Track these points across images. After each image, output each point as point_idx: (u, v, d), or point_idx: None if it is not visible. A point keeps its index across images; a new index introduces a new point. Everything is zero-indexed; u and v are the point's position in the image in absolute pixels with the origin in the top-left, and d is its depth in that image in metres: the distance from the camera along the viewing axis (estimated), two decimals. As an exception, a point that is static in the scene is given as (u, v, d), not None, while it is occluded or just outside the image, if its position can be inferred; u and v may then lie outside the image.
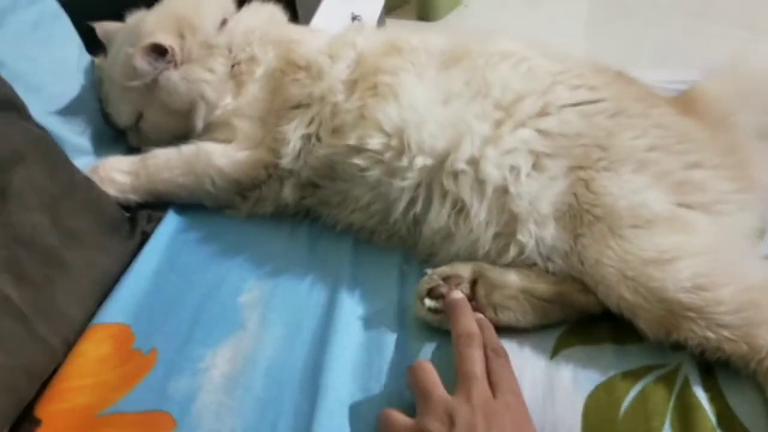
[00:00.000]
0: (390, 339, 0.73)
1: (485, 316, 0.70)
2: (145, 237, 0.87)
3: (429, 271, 0.74)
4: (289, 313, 0.77)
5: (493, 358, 0.63)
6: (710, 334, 0.63)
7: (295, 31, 1.00)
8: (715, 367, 0.65)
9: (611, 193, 0.70)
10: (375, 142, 0.80)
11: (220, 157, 0.88)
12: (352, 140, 0.81)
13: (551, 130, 0.76)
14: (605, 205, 0.70)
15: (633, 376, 0.66)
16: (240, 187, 0.89)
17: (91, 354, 0.72)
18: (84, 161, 0.93)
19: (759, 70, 0.86)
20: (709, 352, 0.64)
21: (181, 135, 0.95)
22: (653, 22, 2.45)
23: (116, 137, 1.01)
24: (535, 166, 0.74)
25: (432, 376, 0.62)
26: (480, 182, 0.75)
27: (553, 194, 0.72)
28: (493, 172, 0.75)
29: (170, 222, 0.89)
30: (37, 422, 0.66)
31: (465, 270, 0.73)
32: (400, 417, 0.61)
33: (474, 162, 0.76)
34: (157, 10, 0.97)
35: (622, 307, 0.66)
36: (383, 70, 0.84)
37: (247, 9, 1.00)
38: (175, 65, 0.92)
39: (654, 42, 2.30)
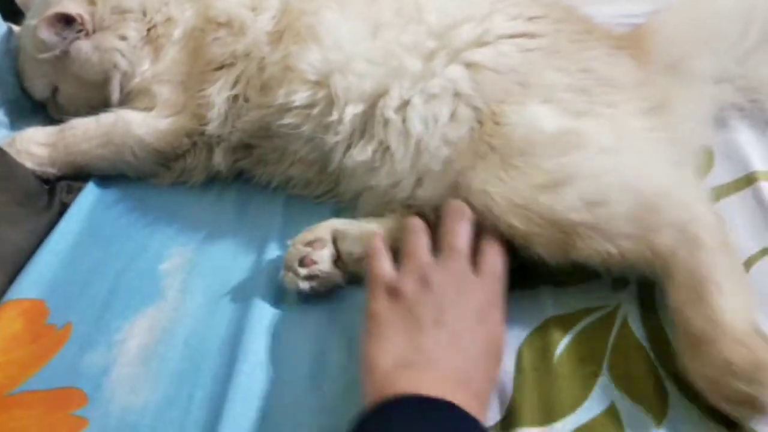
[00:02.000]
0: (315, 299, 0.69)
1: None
2: (64, 208, 0.82)
3: (290, 242, 0.70)
4: (213, 279, 0.72)
5: (486, 243, 0.62)
6: (610, 247, 0.58)
7: None
8: (658, 306, 0.61)
9: (510, 123, 0.65)
10: (302, 96, 0.75)
11: (140, 125, 0.83)
12: (280, 98, 0.76)
13: (486, 64, 0.70)
14: (502, 135, 0.65)
15: (569, 319, 0.62)
16: (162, 157, 0.83)
17: (2, 332, 0.68)
18: (1, 134, 0.88)
19: (719, 5, 0.80)
20: (614, 266, 0.59)
21: (101, 105, 0.89)
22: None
23: (35, 108, 0.95)
24: (453, 116, 0.69)
25: (421, 241, 0.63)
26: (406, 133, 0.70)
27: (457, 137, 0.68)
28: (417, 126, 0.70)
29: (91, 192, 0.84)
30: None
31: (324, 231, 0.70)
32: (386, 265, 0.62)
33: (402, 109, 0.71)
34: None
35: (515, 236, 0.61)
36: (305, 12, 0.79)
37: None
38: (86, 34, 0.86)
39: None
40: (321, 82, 0.74)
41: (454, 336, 0.55)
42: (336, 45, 0.75)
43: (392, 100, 0.71)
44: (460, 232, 0.62)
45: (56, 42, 0.85)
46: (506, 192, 0.62)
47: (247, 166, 0.83)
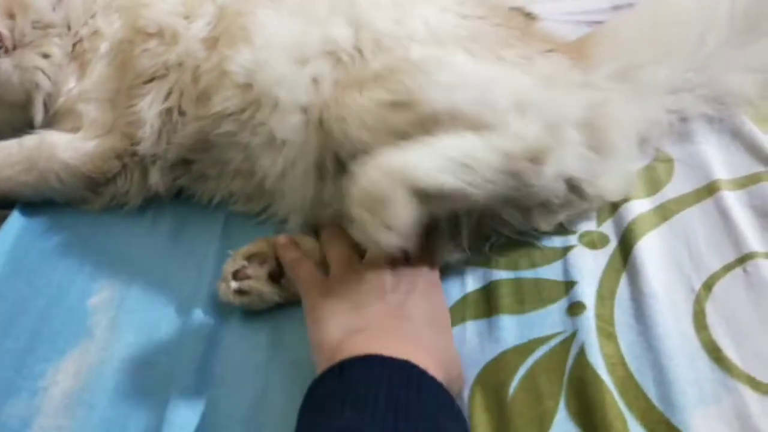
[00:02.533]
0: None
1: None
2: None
3: (231, 252, 0.67)
4: (145, 315, 0.67)
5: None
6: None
7: None
8: (617, 330, 0.58)
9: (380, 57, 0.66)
10: (234, 103, 0.70)
11: (65, 148, 0.77)
12: (216, 106, 0.71)
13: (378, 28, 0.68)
14: (367, 68, 0.65)
15: (523, 351, 0.58)
16: (91, 182, 0.77)
17: None
18: None
19: (676, 12, 0.76)
20: None
21: (25, 127, 0.83)
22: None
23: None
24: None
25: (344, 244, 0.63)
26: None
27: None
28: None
29: (16, 221, 0.78)
30: None
31: (267, 246, 0.67)
32: (311, 267, 0.63)
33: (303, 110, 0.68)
34: None
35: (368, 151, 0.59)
36: (241, 13, 0.74)
37: None
38: (6, 51, 0.80)
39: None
40: (248, 86, 0.70)
41: (398, 307, 0.55)
42: (265, 45, 0.70)
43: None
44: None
45: (-29, 58, 0.79)
46: (359, 110, 0.60)
47: (187, 183, 0.78)
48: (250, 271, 0.65)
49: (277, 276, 0.66)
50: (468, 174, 0.55)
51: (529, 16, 0.79)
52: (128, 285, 0.70)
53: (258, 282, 0.65)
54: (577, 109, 0.63)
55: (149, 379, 0.62)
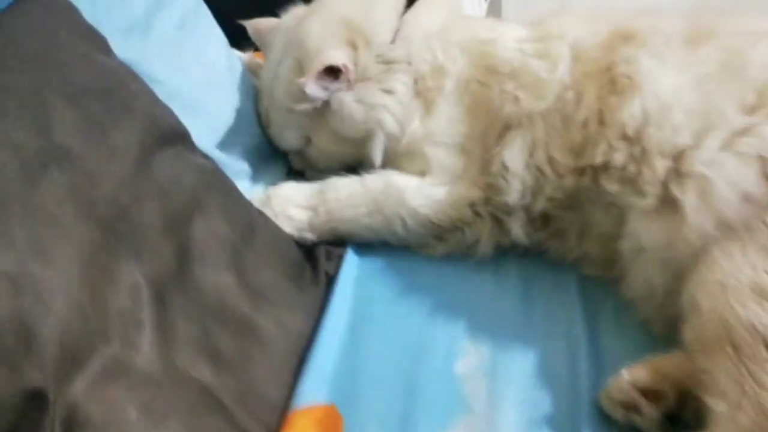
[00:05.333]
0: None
1: None
2: (328, 278, 0.74)
3: (625, 373, 0.59)
4: (522, 389, 0.63)
5: None
6: None
7: (483, 26, 0.82)
8: None
9: None
10: (620, 155, 0.65)
11: (415, 194, 0.74)
12: (597, 157, 0.66)
13: None
14: None
15: None
16: (438, 230, 0.74)
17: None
18: (243, 186, 0.80)
19: None
20: None
21: (356, 162, 0.81)
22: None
23: (275, 155, 0.87)
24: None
25: None
26: (708, 193, 0.61)
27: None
28: (723, 188, 0.60)
29: (351, 264, 0.76)
30: None
31: (665, 381, 0.58)
32: None
33: (713, 164, 0.61)
34: (320, 11, 0.81)
35: None
36: (618, 62, 0.68)
37: (418, 6, 0.83)
38: (349, 83, 0.77)
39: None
40: (636, 137, 0.65)
41: None
42: (656, 95, 0.65)
43: (704, 152, 0.62)
44: None
45: (320, 96, 0.76)
46: None
47: (542, 240, 0.73)
48: (643, 408, 0.57)
49: (674, 414, 0.58)
50: None
51: None
52: (492, 349, 0.67)
53: (649, 423, 0.57)
54: None
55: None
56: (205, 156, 0.72)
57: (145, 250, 0.56)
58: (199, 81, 0.79)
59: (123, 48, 0.70)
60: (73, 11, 0.66)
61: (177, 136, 0.67)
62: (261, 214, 0.74)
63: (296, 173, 0.87)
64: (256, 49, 0.94)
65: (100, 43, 0.65)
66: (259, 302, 0.65)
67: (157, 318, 0.55)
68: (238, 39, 0.93)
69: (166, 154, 0.64)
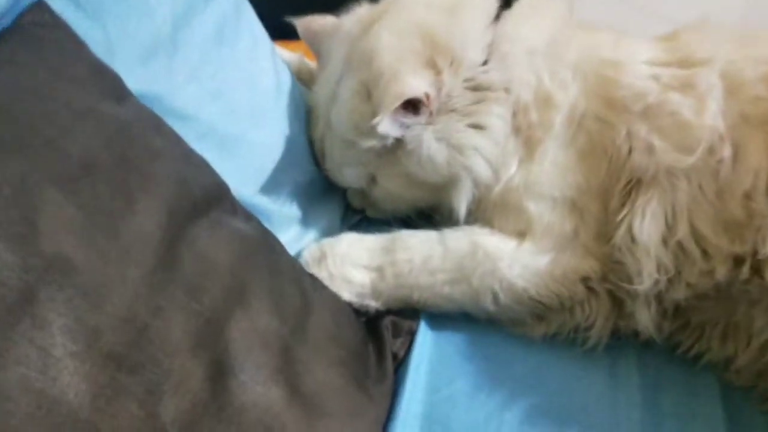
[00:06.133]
0: None
1: None
2: (396, 361, 0.60)
3: None
4: None
5: None
6: None
7: (605, 41, 0.62)
8: None
9: None
10: None
11: (511, 262, 0.58)
12: (760, 243, 0.50)
13: None
14: None
15: None
16: (538, 308, 0.59)
17: None
18: (292, 234, 0.66)
19: None
20: None
21: (428, 207, 0.65)
22: None
23: (329, 188, 0.72)
24: None
25: None
26: None
27: None
28: None
29: (425, 341, 0.61)
30: None
31: None
32: None
33: None
34: (391, 18, 0.63)
35: None
36: None
37: (517, 13, 0.64)
38: (429, 116, 0.60)
39: None
40: None
41: None
42: None
43: None
44: None
45: (395, 133, 0.60)
46: None
47: (673, 331, 0.57)
48: None
49: None
50: None
51: None
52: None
53: None
54: None
55: None
56: (248, 216, 0.57)
57: (169, 383, 0.42)
58: (240, 109, 0.63)
59: (143, 78, 0.54)
60: (73, 41, 0.50)
61: (213, 199, 0.52)
62: (315, 285, 0.59)
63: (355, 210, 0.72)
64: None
65: (111, 86, 0.50)
66: (313, 417, 0.51)
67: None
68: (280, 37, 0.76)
69: (198, 228, 0.49)
